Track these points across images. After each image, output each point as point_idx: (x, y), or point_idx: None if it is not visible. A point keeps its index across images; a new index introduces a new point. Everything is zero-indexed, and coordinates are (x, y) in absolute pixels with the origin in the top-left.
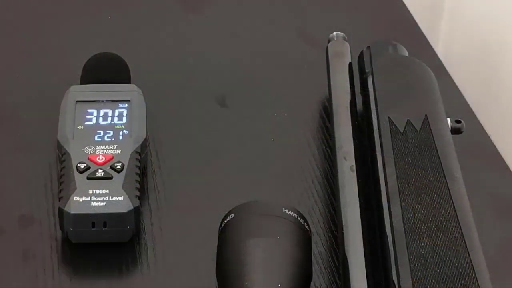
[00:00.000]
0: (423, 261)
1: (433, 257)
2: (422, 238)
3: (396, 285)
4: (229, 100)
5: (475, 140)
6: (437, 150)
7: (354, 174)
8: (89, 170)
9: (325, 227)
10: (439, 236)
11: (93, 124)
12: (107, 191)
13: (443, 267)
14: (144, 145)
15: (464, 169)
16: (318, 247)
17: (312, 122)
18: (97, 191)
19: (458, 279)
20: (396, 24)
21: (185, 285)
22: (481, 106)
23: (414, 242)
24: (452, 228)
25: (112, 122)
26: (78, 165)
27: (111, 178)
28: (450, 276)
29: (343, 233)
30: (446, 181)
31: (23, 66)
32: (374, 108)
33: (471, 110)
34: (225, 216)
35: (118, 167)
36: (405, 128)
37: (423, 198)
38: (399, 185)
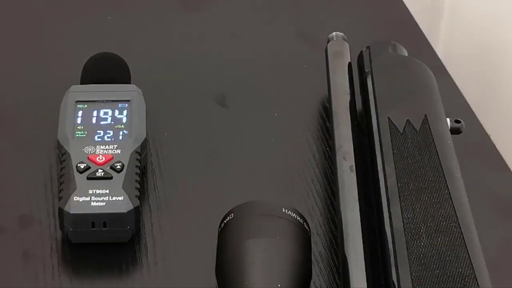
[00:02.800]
0: (423, 261)
1: (433, 257)
2: (421, 238)
3: (396, 285)
4: (229, 100)
5: (475, 140)
6: (436, 150)
7: (354, 174)
8: (89, 170)
9: (325, 227)
10: (439, 236)
11: (93, 124)
12: (107, 191)
13: (443, 267)
14: (144, 145)
15: (464, 169)
16: (318, 247)
17: (312, 122)
18: (97, 191)
19: (458, 279)
20: (396, 24)
21: (185, 285)
22: (481, 106)
23: (414, 242)
24: (452, 228)
25: (112, 122)
26: (78, 165)
27: (111, 178)
28: (450, 276)
29: (343, 233)
30: (446, 181)
31: (23, 66)
32: (374, 108)
33: (471, 110)
34: (225, 216)
35: (118, 167)
36: (404, 128)
37: (423, 198)
38: (399, 185)
